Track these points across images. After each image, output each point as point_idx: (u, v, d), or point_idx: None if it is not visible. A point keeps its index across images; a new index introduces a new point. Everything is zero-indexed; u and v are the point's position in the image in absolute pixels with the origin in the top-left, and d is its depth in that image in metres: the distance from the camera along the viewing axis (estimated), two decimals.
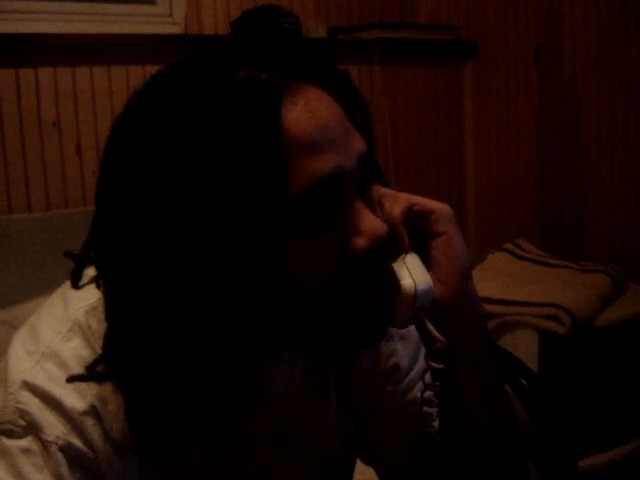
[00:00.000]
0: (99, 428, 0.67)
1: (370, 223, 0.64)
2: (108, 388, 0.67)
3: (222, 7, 2.49)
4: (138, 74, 2.18)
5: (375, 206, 0.68)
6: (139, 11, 2.38)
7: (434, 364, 0.72)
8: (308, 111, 0.62)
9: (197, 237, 0.60)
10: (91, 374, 0.67)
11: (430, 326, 0.71)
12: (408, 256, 0.69)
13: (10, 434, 0.65)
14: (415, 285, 0.68)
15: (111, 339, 0.66)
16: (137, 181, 0.62)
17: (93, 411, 0.67)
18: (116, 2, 2.33)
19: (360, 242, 0.64)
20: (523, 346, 2.17)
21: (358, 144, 0.66)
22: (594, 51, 2.65)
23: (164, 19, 2.42)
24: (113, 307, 0.66)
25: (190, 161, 0.60)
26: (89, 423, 0.67)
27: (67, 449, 0.65)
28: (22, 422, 0.65)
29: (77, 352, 0.68)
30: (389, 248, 0.67)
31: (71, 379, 0.67)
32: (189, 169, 0.60)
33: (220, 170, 0.59)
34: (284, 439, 0.80)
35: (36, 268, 1.95)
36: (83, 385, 0.67)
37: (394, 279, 0.68)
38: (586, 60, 2.67)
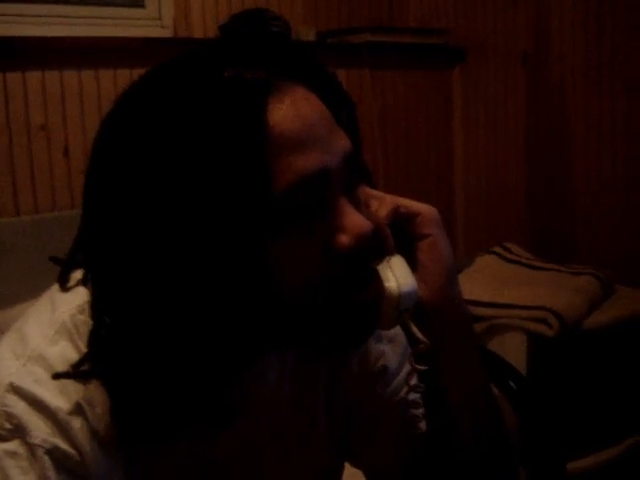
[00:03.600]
0: (85, 429, 0.67)
1: (355, 221, 0.64)
2: (94, 389, 0.67)
3: (211, 10, 2.49)
4: (126, 77, 2.15)
5: (361, 205, 0.68)
6: (128, 14, 2.37)
7: (417, 366, 0.73)
8: (294, 109, 0.62)
9: (183, 235, 0.60)
10: (76, 372, 0.67)
11: (414, 328, 0.71)
12: (393, 258, 0.69)
13: None
14: (399, 287, 0.68)
15: (96, 337, 0.66)
16: (123, 180, 0.62)
17: (79, 412, 0.67)
18: (105, 5, 2.32)
19: (344, 239, 0.63)
20: (511, 349, 2.17)
21: (343, 143, 0.66)
22: (582, 54, 2.66)
23: (153, 22, 2.42)
24: (100, 304, 0.66)
25: (176, 159, 0.60)
26: (75, 425, 0.66)
27: (53, 452, 0.65)
28: (8, 425, 0.65)
29: (64, 354, 0.68)
30: (374, 249, 0.67)
31: (56, 376, 0.66)
32: (176, 167, 0.60)
33: (205, 168, 0.59)
34: (272, 440, 0.80)
35: (24, 272, 1.94)
36: (69, 387, 0.67)
37: (378, 281, 0.68)
38: (574, 63, 2.69)
